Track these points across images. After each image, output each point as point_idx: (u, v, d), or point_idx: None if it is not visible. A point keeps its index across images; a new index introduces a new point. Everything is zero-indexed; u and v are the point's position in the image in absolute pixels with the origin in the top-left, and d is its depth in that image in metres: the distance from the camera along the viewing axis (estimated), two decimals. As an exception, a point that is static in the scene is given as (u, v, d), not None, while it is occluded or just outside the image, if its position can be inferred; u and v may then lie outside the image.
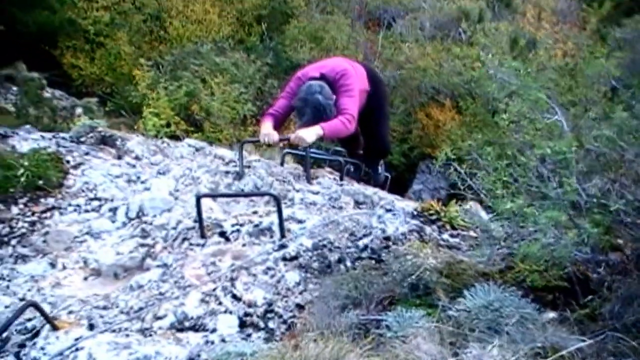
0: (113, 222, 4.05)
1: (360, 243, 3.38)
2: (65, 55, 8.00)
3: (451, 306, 2.67)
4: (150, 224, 3.92)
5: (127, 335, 3.04)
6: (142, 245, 3.80)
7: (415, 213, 3.60)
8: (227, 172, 4.21)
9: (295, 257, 3.36)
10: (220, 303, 3.19)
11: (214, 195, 3.88)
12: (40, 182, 4.21)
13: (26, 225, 4.07)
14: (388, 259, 3.06)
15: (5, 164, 4.18)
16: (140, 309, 3.26)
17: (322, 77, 4.32)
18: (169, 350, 2.91)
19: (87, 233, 3.99)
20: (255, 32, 8.84)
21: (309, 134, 4.08)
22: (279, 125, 4.31)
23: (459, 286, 2.83)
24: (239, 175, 4.03)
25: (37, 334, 3.11)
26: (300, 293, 3.19)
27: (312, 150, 4.39)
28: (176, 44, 7.98)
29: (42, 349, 2.99)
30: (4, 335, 3.15)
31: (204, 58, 7.79)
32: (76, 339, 2.99)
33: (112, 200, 4.22)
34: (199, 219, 3.53)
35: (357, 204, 3.88)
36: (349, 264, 3.26)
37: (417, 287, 2.85)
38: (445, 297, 2.77)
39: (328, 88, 4.25)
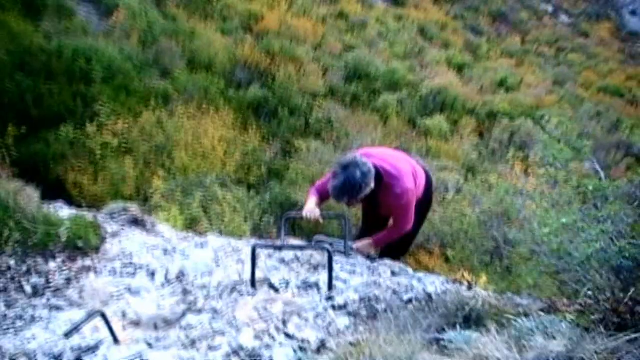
0: (152, 282, 4.33)
1: (405, 297, 3.77)
2: (69, 174, 8.52)
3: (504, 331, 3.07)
4: (192, 284, 4.22)
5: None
6: (184, 301, 4.08)
7: (448, 281, 4.04)
8: (266, 246, 4.61)
9: (344, 306, 3.70)
10: (274, 339, 3.47)
11: (270, 247, 4.25)
12: (80, 242, 4.53)
13: (62, 280, 4.31)
14: (438, 299, 3.46)
15: (48, 221, 4.52)
16: (194, 341, 3.50)
17: (377, 168, 4.42)
18: (234, 363, 3.15)
19: (125, 290, 4.25)
20: (255, 174, 9.62)
21: (365, 247, 4.71)
22: (324, 199, 4.79)
23: (508, 319, 3.23)
24: (279, 247, 4.42)
25: (95, 349, 3.31)
26: (352, 334, 3.50)
27: (338, 240, 4.80)
28: (180, 175, 8.60)
29: (105, 357, 3.20)
30: (57, 351, 3.35)
31: (207, 189, 8.37)
32: (139, 352, 3.21)
33: (148, 266, 4.53)
34: (252, 268, 3.88)
35: (394, 274, 4.29)
36: (396, 311, 3.62)
37: (470, 317, 3.24)
38: (495, 326, 3.16)
39: (373, 176, 4.34)
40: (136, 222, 5.18)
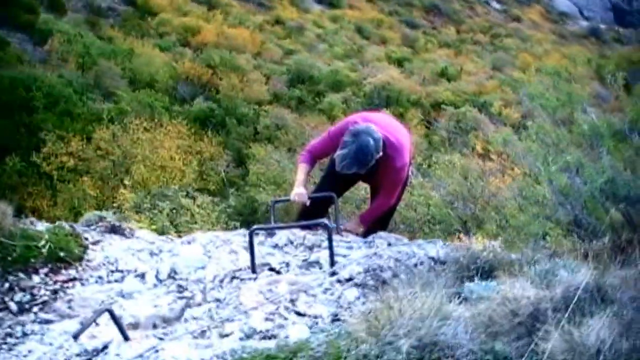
0: (143, 284, 4.16)
1: (409, 262, 3.72)
2: (27, 201, 8.19)
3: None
4: (186, 280, 4.07)
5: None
6: (180, 298, 3.92)
7: (447, 244, 4.03)
8: (264, 228, 4.48)
9: (349, 279, 3.63)
10: (285, 319, 3.36)
11: (267, 228, 4.14)
12: (62, 253, 4.31)
13: (48, 293, 4.09)
14: (448, 257, 3.43)
15: (26, 235, 4.30)
16: (204, 331, 3.36)
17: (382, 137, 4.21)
18: (256, 344, 3.01)
19: (116, 295, 4.06)
20: (214, 181, 9.49)
21: (353, 226, 4.63)
22: (317, 161, 4.64)
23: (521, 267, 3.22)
24: (271, 234, 4.32)
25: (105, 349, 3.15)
26: (363, 304, 3.43)
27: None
28: (140, 188, 8.38)
29: (117, 355, 3.04)
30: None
31: (170, 200, 8.19)
32: (153, 346, 3.06)
33: (135, 270, 4.34)
34: (251, 252, 3.77)
35: (390, 244, 4.23)
36: (403, 277, 3.56)
37: (483, 269, 3.22)
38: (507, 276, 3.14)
39: (381, 143, 4.15)
40: (114, 230, 4.98)
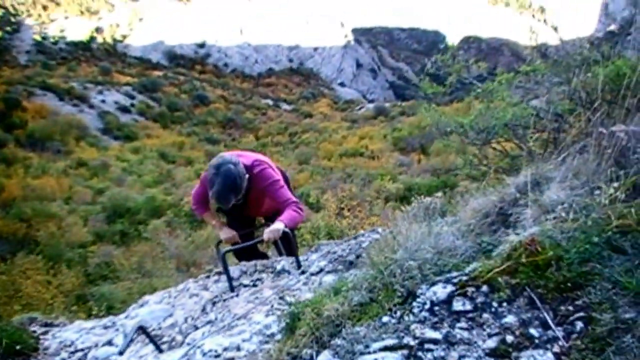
0: (114, 347, 4.20)
1: (364, 245, 4.30)
2: None
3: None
4: (159, 329, 4.21)
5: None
6: (162, 342, 4.06)
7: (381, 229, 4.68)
8: (207, 276, 4.73)
9: (321, 270, 4.10)
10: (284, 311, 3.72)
11: (236, 248, 4.41)
12: (18, 347, 4.24)
13: (16, 386, 4.00)
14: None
15: (-26, 336, 4.19)
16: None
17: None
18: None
19: (93, 362, 4.07)
20: (84, 307, 9.15)
21: (278, 228, 4.20)
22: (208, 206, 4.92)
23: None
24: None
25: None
26: (345, 280, 3.91)
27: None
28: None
29: (159, 362, 3.20)
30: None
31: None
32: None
33: (96, 346, 4.36)
34: (227, 273, 4.08)
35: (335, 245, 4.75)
36: (365, 255, 4.13)
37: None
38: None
39: (242, 166, 4.36)
40: (50, 325, 4.92)
